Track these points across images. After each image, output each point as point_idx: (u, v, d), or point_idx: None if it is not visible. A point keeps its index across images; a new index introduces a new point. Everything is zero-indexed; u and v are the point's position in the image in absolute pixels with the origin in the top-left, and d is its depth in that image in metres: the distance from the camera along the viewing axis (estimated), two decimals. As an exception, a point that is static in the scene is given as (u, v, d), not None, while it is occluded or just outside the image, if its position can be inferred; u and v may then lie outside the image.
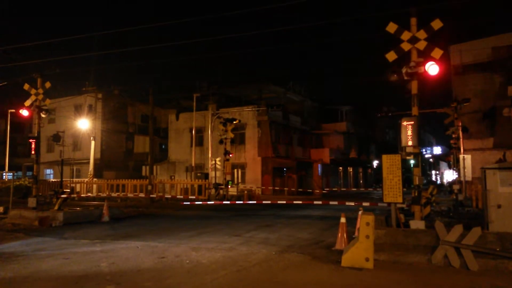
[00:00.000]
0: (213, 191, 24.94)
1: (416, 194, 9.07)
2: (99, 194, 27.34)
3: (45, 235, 11.49)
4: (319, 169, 38.32)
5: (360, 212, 8.68)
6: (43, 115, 15.95)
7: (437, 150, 73.80)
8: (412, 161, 9.25)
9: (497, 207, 8.78)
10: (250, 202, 23.07)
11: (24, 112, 16.35)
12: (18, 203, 19.18)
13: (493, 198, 8.86)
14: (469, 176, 19.06)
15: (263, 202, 21.67)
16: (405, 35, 9.24)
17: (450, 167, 40.87)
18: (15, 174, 39.61)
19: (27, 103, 15.92)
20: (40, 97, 15.73)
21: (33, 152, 15.97)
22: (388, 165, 8.81)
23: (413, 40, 9.19)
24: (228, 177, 25.34)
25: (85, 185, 29.58)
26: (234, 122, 25.97)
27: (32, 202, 15.30)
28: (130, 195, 26.39)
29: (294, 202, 21.20)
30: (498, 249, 7.25)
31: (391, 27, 9.34)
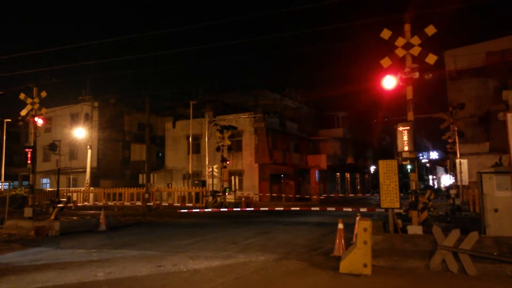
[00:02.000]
0: (210, 198, 24.89)
1: (413, 199, 9.08)
2: (96, 203, 27.23)
3: (41, 245, 11.40)
4: (316, 175, 38.33)
5: (357, 218, 8.67)
6: (39, 125, 15.92)
7: (434, 155, 74.04)
8: (408, 166, 9.28)
9: (494, 211, 8.79)
10: (248, 209, 23.01)
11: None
12: (14, 213, 19.06)
13: (490, 202, 8.88)
14: (465, 180, 19.11)
15: (261, 209, 21.62)
16: (400, 41, 9.31)
17: (447, 172, 40.96)
18: (11, 184, 39.41)
19: (23, 112, 15.89)
20: (36, 106, 15.71)
21: (29, 161, 15.91)
22: (385, 171, 8.82)
23: (408, 46, 9.25)
24: (226, 184, 25.28)
25: (81, 194, 29.47)
26: (231, 129, 26.01)
27: (28, 212, 15.22)
28: (127, 203, 26.29)
29: (292, 208, 21.18)
30: (495, 253, 7.25)
31: (385, 34, 9.41)
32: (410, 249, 7.88)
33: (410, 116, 9.30)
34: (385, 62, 9.48)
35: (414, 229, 8.69)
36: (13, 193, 27.73)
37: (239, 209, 23.47)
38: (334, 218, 15.84)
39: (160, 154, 42.88)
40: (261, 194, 32.54)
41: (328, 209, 18.90)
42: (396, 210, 9.18)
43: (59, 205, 15.05)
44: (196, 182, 31.51)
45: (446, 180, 53.65)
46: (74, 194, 29.66)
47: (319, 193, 36.52)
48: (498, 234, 8.26)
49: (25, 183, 41.24)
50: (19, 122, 16.59)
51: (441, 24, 9.65)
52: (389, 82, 9.59)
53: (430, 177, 75.40)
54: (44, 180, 41.15)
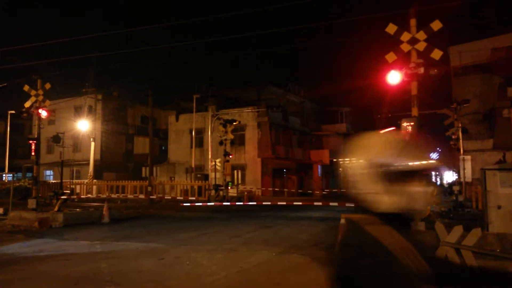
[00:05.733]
0: (213, 192, 24.94)
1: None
2: (99, 195, 27.35)
3: (45, 237, 11.47)
4: (319, 170, 38.32)
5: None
6: (43, 117, 15.96)
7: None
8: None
9: (497, 208, 8.77)
10: (250, 203, 23.07)
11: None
12: (18, 204, 19.14)
13: (493, 199, 8.85)
14: (469, 177, 19.04)
15: (263, 203, 21.68)
16: (405, 36, 9.25)
17: (450, 168, 40.85)
18: (15, 175, 39.62)
19: (27, 104, 15.93)
20: (40, 98, 15.75)
21: (33, 153, 15.99)
22: (388, 166, 8.80)
23: (413, 41, 9.19)
24: (228, 178, 25.34)
25: (85, 186, 29.59)
26: (234, 123, 26.00)
27: (32, 203, 15.29)
28: (130, 196, 26.39)
29: (294, 203, 21.18)
30: (498, 250, 7.24)
31: (391, 28, 9.35)
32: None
33: (415, 111, 9.27)
34: (390, 57, 9.43)
35: (417, 225, 8.68)
36: (17, 184, 27.88)
37: (241, 203, 23.51)
38: (337, 213, 15.86)
39: (163, 148, 42.95)
40: (264, 188, 32.58)
41: (331, 204, 18.90)
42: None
43: (62, 197, 15.11)
44: (198, 175, 31.54)
45: (449, 176, 53.54)
46: (78, 186, 29.78)
47: (322, 188, 36.52)
48: (501, 231, 8.24)
49: (29, 174, 41.44)
50: (23, 114, 16.61)
51: (446, 20, 9.58)
52: (394, 77, 9.55)
53: (433, 173, 75.22)
54: (48, 172, 41.32)
